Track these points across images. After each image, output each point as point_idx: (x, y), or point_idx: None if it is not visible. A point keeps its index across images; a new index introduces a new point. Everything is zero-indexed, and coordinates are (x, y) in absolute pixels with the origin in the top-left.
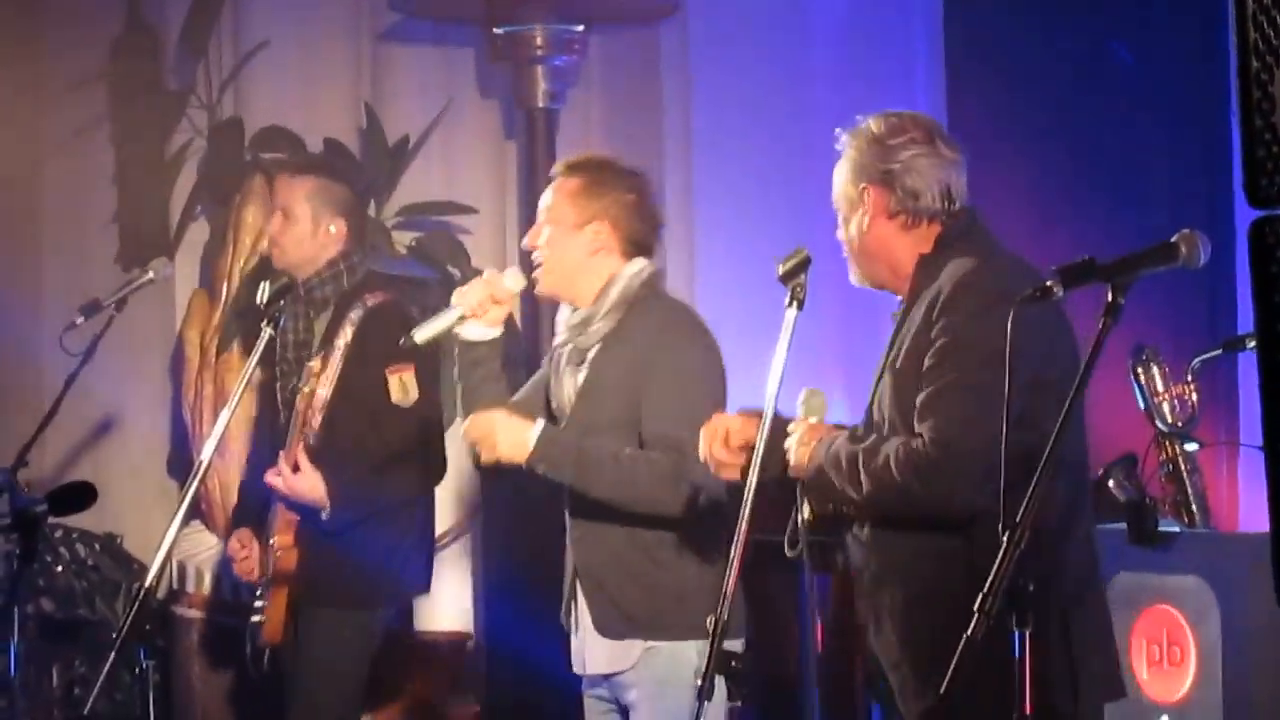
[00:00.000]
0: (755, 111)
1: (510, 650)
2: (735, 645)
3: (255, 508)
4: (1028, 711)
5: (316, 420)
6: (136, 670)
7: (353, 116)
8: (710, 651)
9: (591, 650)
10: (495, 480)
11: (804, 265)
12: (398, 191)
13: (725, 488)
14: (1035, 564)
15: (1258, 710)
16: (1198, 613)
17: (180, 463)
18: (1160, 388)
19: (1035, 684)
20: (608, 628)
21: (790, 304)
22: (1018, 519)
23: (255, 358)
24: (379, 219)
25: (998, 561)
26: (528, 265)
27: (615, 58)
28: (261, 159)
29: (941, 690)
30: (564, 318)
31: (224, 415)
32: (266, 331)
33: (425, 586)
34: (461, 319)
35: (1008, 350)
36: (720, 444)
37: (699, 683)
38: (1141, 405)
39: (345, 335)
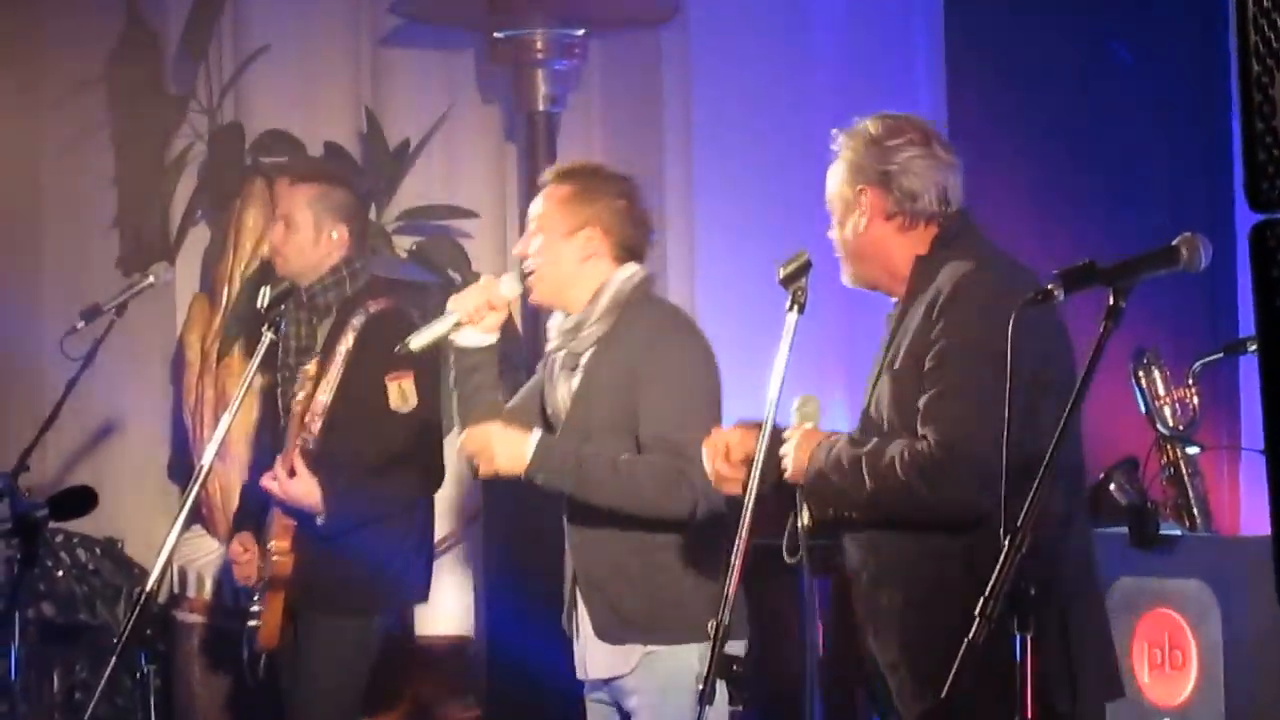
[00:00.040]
0: (756, 115)
1: (511, 654)
2: (737, 647)
3: (257, 512)
4: (1029, 716)
5: (316, 425)
6: (137, 675)
7: (353, 120)
8: (711, 656)
9: (592, 655)
10: (496, 484)
11: (805, 269)
12: (398, 196)
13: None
14: (1034, 566)
15: (1259, 714)
16: (1199, 616)
17: (181, 467)
18: (1161, 391)
19: (1034, 685)
20: (608, 632)
21: (791, 307)
22: (1019, 523)
23: (256, 362)
24: (379, 223)
25: (999, 565)
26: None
27: (616, 61)
28: (262, 163)
29: (943, 694)
30: (556, 323)
31: (224, 420)
32: (267, 336)
33: (424, 594)
34: (457, 325)
35: (1009, 353)
36: (722, 459)
37: (700, 687)
38: (1143, 409)
39: (347, 341)
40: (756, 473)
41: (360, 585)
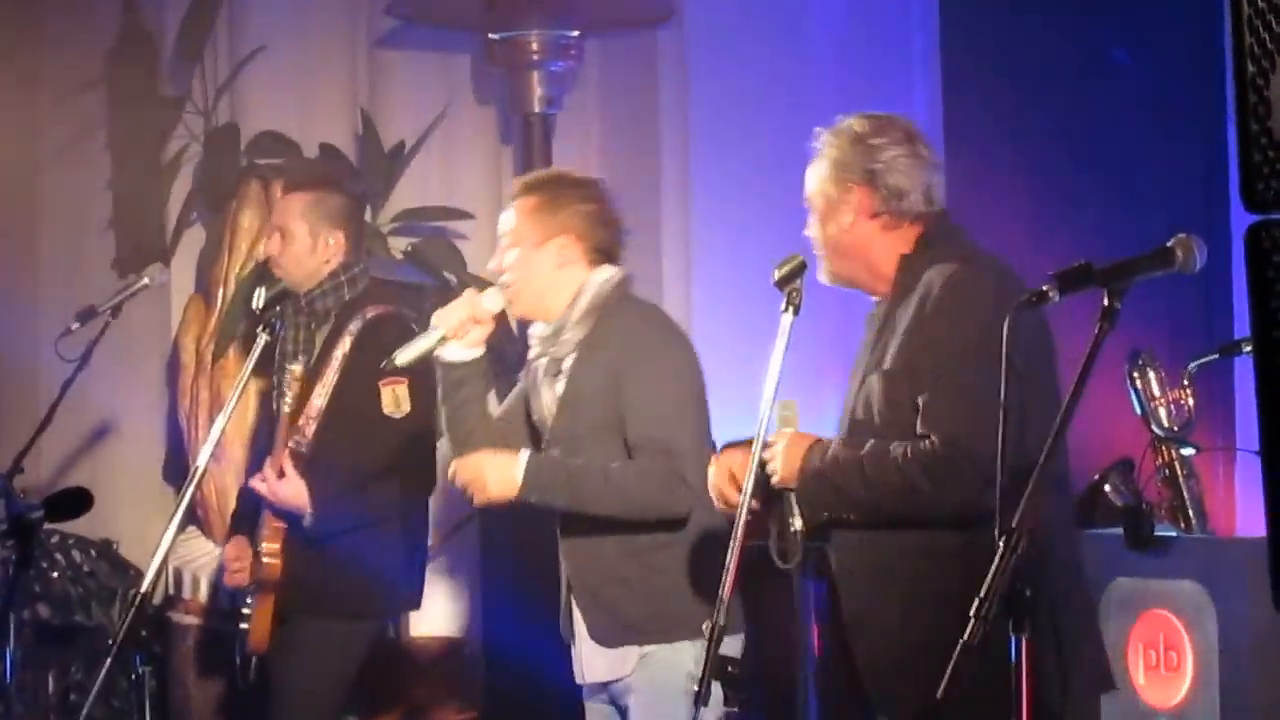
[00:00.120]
0: (753, 116)
1: (507, 655)
2: (733, 643)
3: (253, 515)
4: (1025, 718)
5: (310, 429)
6: (133, 676)
7: (349, 122)
8: (707, 657)
9: (589, 660)
10: None
11: (799, 270)
12: (394, 197)
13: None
14: (1027, 565)
15: (1255, 715)
16: (1194, 617)
17: (176, 468)
18: (1157, 392)
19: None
20: (604, 637)
21: (786, 309)
22: (1014, 524)
23: (250, 363)
24: (375, 224)
25: (994, 566)
26: None
27: (612, 63)
28: (257, 165)
29: (939, 695)
30: (536, 331)
31: (219, 421)
32: (262, 337)
33: (415, 602)
34: (443, 340)
35: (1005, 353)
36: (729, 484)
37: (695, 688)
38: (1138, 410)
39: (343, 346)
40: (751, 475)
41: (349, 590)
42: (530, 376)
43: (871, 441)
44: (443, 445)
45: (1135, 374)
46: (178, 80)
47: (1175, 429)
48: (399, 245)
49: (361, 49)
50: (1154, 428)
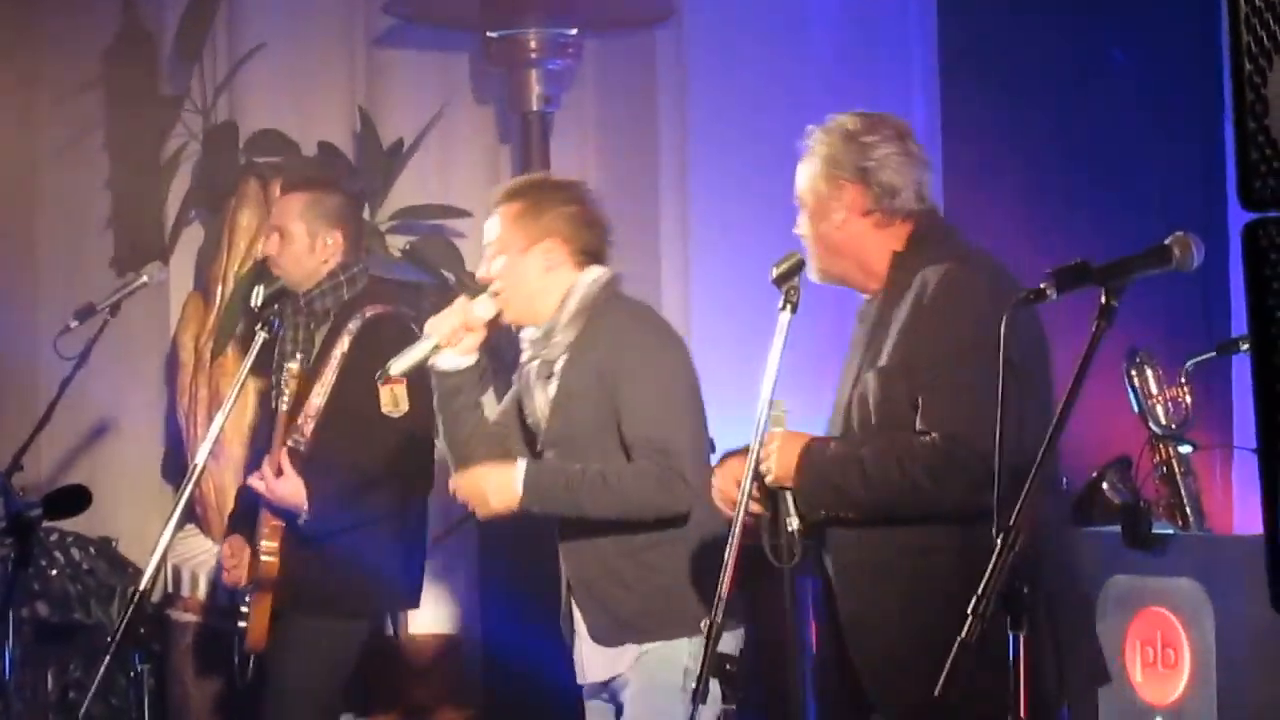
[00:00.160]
0: (751, 115)
1: (506, 653)
2: (733, 638)
3: (251, 514)
4: (1023, 715)
5: (309, 428)
6: (131, 674)
7: (347, 120)
8: (705, 655)
9: (590, 659)
10: None
11: (797, 269)
12: (392, 195)
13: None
14: (1025, 563)
15: (1252, 713)
16: (1192, 615)
17: (175, 467)
18: (1154, 390)
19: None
20: (603, 636)
21: (784, 307)
22: (1011, 521)
23: (249, 361)
24: (373, 222)
25: (992, 564)
26: None
27: (610, 61)
28: (256, 163)
29: (936, 692)
30: (527, 334)
31: (218, 419)
32: (261, 335)
33: (414, 601)
34: (436, 349)
35: (1003, 351)
36: (735, 490)
37: (694, 685)
38: (1136, 408)
39: (342, 345)
40: (751, 466)
41: (346, 588)
42: (523, 380)
43: (869, 439)
44: (441, 444)
45: (1133, 372)
46: (176, 79)
47: (1173, 427)
48: (397, 243)
49: (360, 47)
50: (1152, 425)
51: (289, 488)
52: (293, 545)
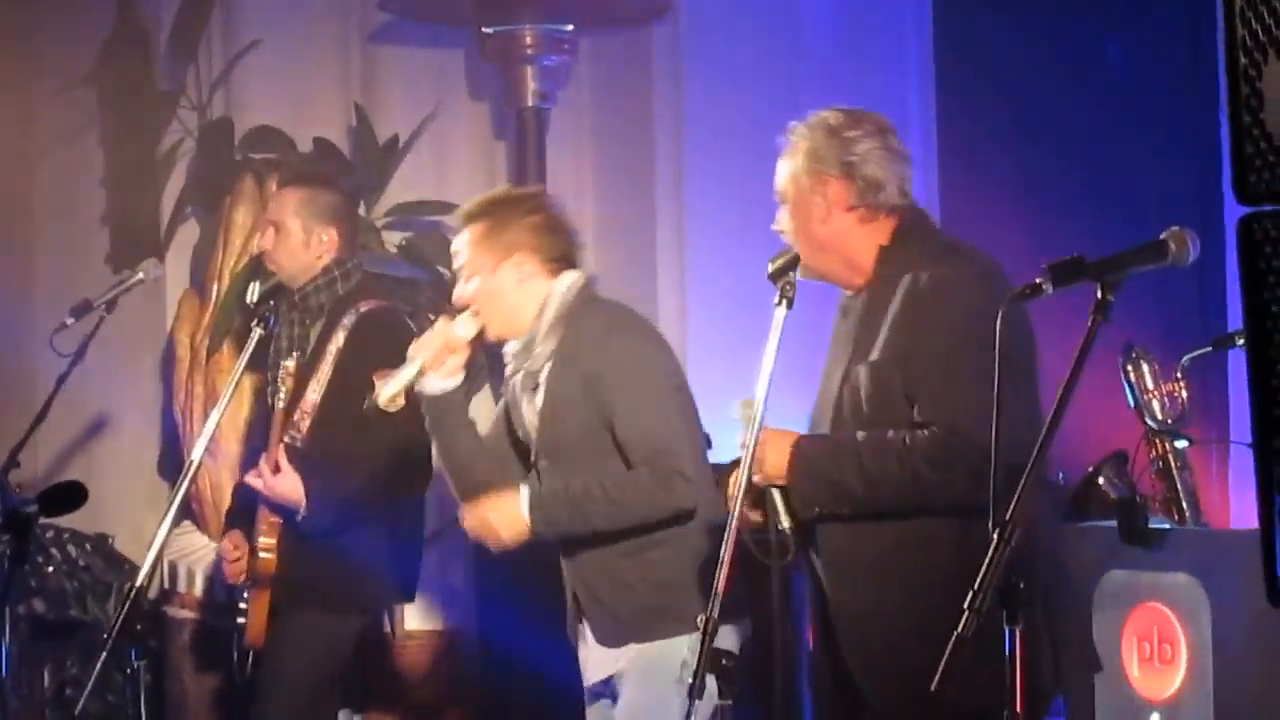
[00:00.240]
0: (746, 111)
1: (503, 648)
2: (736, 632)
3: (249, 510)
4: (1019, 710)
5: (305, 424)
6: (128, 671)
7: (343, 116)
8: (701, 650)
9: (596, 660)
10: None
11: (793, 264)
12: (388, 191)
13: (713, 476)
14: (1020, 557)
15: (1248, 707)
16: (1188, 610)
17: (171, 463)
18: (1150, 385)
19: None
20: (609, 638)
21: (779, 302)
22: (1008, 515)
23: (245, 357)
24: (369, 219)
25: (988, 559)
26: None
27: (606, 58)
28: (252, 159)
29: (933, 687)
30: (509, 348)
31: (213, 416)
32: (256, 331)
33: (409, 595)
34: (421, 372)
35: (998, 344)
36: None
37: (691, 681)
38: (1132, 403)
39: (337, 340)
40: (747, 463)
41: (341, 583)
42: (509, 393)
43: (867, 433)
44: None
45: (1129, 367)
46: (172, 76)
47: (1169, 422)
48: (393, 239)
49: (355, 44)
50: (1148, 420)
51: (287, 485)
52: (290, 541)
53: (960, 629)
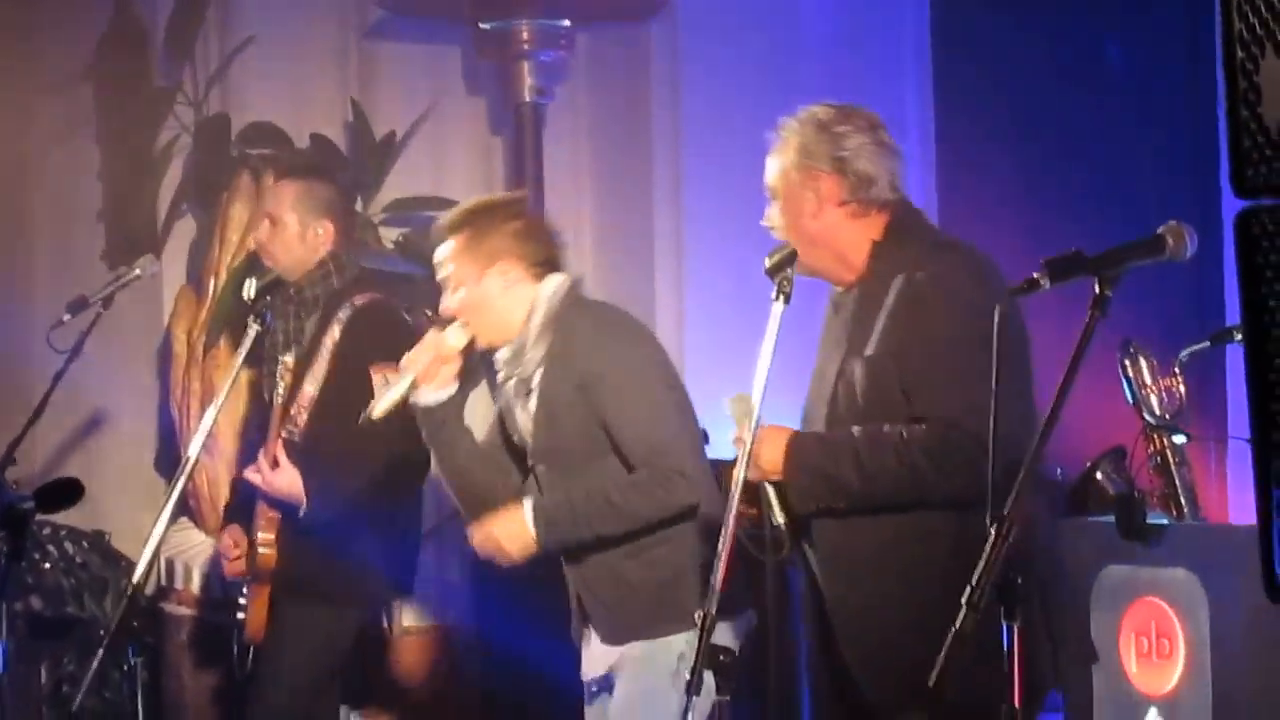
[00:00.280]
0: (744, 107)
1: (500, 645)
2: (738, 625)
3: (247, 506)
4: (1017, 704)
5: (303, 418)
6: (125, 668)
7: (339, 112)
8: (699, 647)
9: (595, 655)
10: None
11: (791, 259)
12: (385, 188)
13: (712, 473)
14: (1018, 553)
15: (1247, 702)
16: (1187, 605)
17: (168, 459)
18: (1148, 380)
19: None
20: (614, 637)
21: (777, 297)
22: (1006, 511)
23: (242, 354)
24: (366, 215)
25: (986, 554)
26: None
27: (603, 53)
28: (248, 155)
29: (930, 682)
30: (500, 355)
31: (210, 412)
32: (253, 328)
33: (407, 588)
34: (414, 385)
35: (995, 340)
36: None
37: (688, 677)
38: (1129, 398)
39: (333, 334)
40: (743, 459)
41: (338, 577)
42: (502, 399)
43: (862, 428)
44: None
45: (1127, 362)
46: (168, 72)
47: (1167, 417)
48: (390, 235)
49: (352, 40)
50: (1146, 416)
51: (286, 480)
52: (289, 536)
53: (958, 625)
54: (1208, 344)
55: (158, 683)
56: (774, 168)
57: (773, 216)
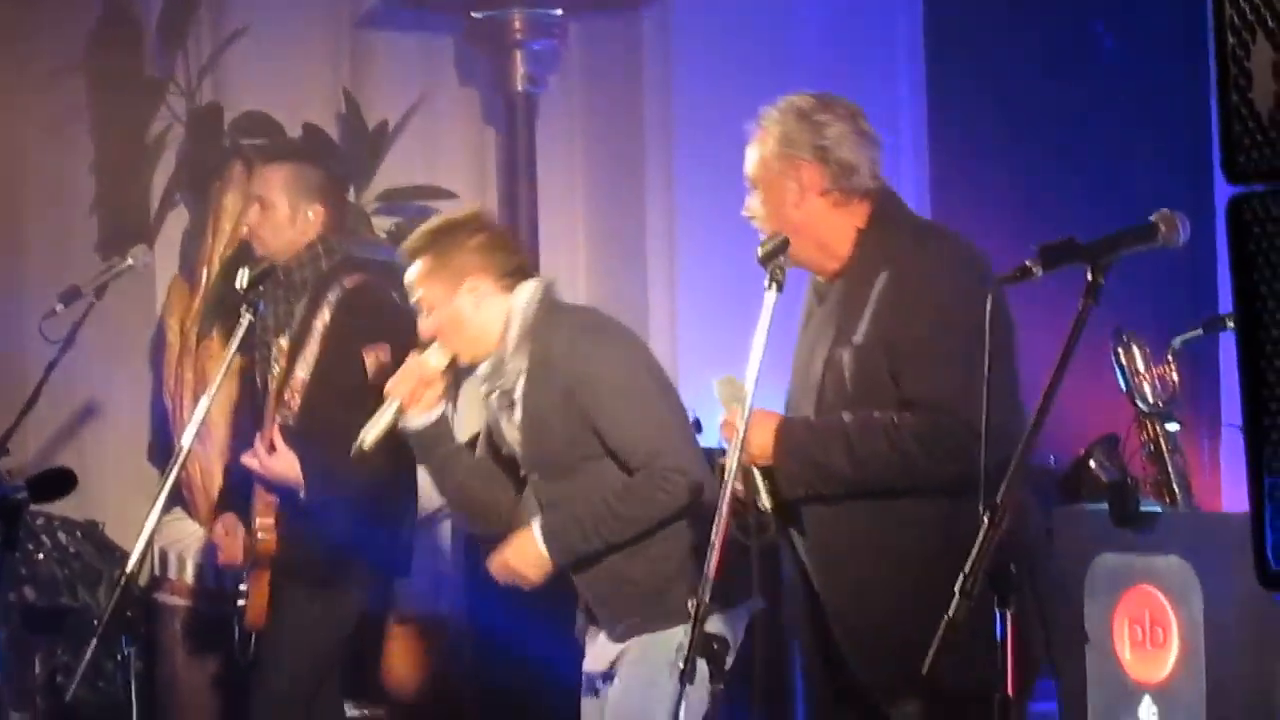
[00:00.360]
0: (737, 98)
1: (495, 636)
2: (739, 614)
3: (240, 493)
4: (1010, 693)
5: (295, 401)
6: (119, 658)
7: (332, 102)
8: (692, 635)
9: (598, 651)
10: None
11: (783, 247)
12: (378, 177)
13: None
14: (1010, 540)
15: (1240, 689)
16: (1180, 593)
17: (161, 449)
18: (1141, 368)
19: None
20: (620, 634)
21: (770, 286)
22: (998, 498)
23: (235, 344)
24: (359, 204)
25: (978, 542)
26: None
27: (596, 43)
28: (241, 145)
29: (924, 671)
30: (480, 370)
31: (203, 402)
32: (246, 317)
33: (404, 569)
34: (400, 410)
35: (988, 327)
36: None
37: (681, 666)
38: (1122, 385)
39: (323, 317)
40: (738, 446)
41: (336, 559)
42: (489, 412)
43: (853, 414)
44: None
45: (1120, 349)
46: (161, 62)
47: (1160, 404)
48: (383, 225)
49: (344, 29)
50: (1139, 403)
51: (283, 464)
52: (288, 520)
53: (951, 612)
54: (1200, 331)
55: (152, 673)
56: (754, 157)
57: (754, 207)
